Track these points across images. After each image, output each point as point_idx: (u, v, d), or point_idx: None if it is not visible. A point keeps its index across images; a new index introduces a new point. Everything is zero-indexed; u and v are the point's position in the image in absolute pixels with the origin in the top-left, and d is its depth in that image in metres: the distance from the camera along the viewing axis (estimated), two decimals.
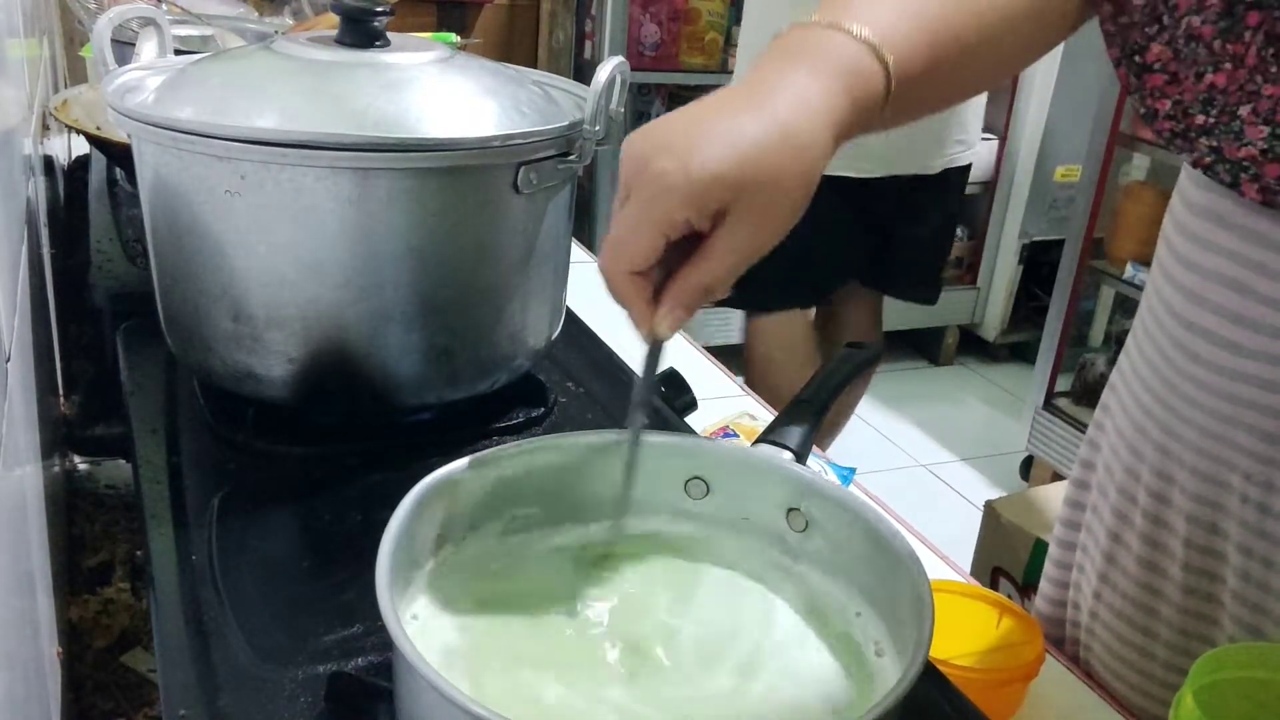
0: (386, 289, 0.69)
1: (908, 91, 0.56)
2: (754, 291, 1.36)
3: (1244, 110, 0.58)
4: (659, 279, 0.51)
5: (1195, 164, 0.61)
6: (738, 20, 2.50)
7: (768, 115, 0.50)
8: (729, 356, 2.29)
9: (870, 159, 1.95)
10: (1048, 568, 0.86)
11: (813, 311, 2.24)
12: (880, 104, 0.55)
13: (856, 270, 2.16)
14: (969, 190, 3.33)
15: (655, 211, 0.49)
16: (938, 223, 2.18)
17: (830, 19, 0.54)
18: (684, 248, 0.51)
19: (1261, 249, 0.62)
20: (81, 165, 1.34)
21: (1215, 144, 0.59)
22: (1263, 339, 0.63)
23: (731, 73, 2.88)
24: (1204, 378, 0.66)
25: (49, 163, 1.28)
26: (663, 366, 0.55)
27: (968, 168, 2.16)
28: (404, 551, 0.50)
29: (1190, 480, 0.69)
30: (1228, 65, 0.59)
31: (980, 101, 2.13)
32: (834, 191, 2.23)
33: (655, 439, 0.60)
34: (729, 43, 3.12)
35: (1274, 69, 0.57)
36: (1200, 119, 0.60)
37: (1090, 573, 0.78)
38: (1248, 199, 0.60)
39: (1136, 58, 0.62)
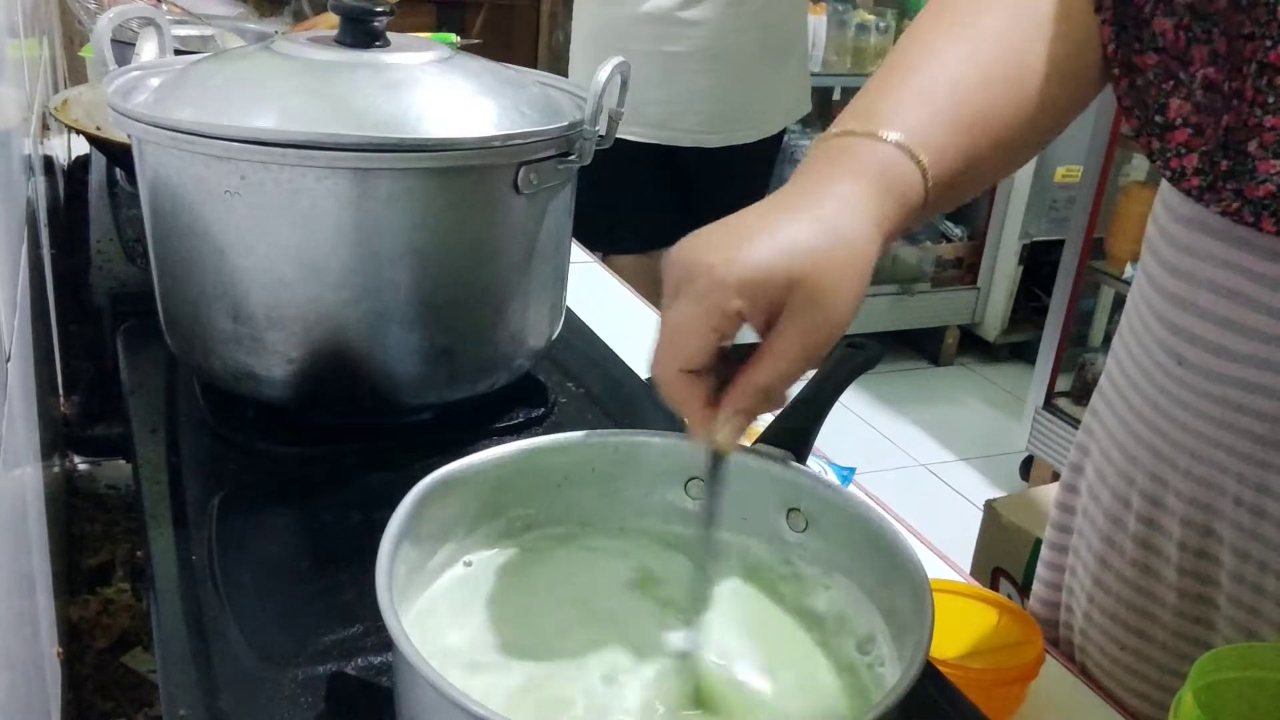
0: (386, 289, 0.69)
1: (946, 183, 0.56)
2: (594, 235, 1.49)
3: (1252, 146, 0.58)
4: (714, 388, 0.50)
5: (1224, 213, 0.60)
6: None
7: (814, 216, 0.51)
8: None
9: (679, 129, 2.02)
10: (1040, 570, 0.86)
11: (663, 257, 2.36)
12: (921, 201, 0.55)
13: (673, 231, 2.23)
14: None
15: (707, 304, 0.48)
16: (746, 192, 2.21)
17: (863, 127, 0.55)
18: (733, 367, 0.50)
19: (1249, 254, 0.62)
20: (81, 165, 1.35)
21: (1238, 187, 0.59)
22: (1253, 343, 0.63)
23: None
24: (1194, 382, 0.66)
25: (49, 163, 1.28)
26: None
27: (780, 136, 2.19)
28: (404, 551, 0.50)
29: (1184, 484, 0.69)
30: (1235, 103, 0.59)
31: (797, 74, 2.15)
32: (645, 156, 2.26)
33: (655, 439, 0.60)
34: None
35: (1270, 99, 0.57)
36: (1224, 164, 0.60)
37: (1083, 576, 0.78)
38: (1268, 233, 0.59)
39: (1157, 117, 0.62)
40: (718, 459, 0.53)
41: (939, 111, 0.57)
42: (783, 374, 0.50)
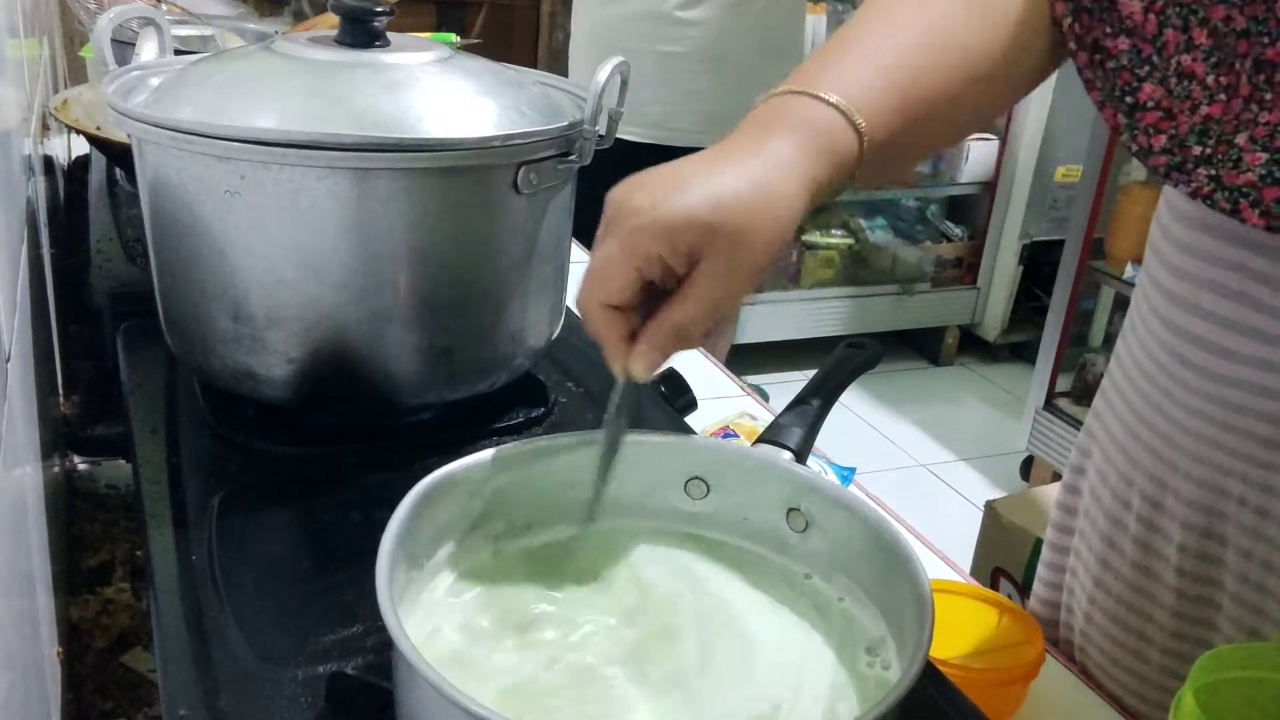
0: (386, 289, 0.69)
1: (882, 149, 0.58)
2: (594, 235, 1.52)
3: (1241, 138, 0.58)
4: (637, 324, 0.53)
5: (1194, 195, 0.61)
6: None
7: (741, 169, 0.53)
8: (729, 356, 2.29)
9: (676, 129, 2.02)
10: (1041, 570, 0.86)
11: None
12: (854, 163, 0.57)
13: None
14: (969, 191, 3.36)
15: (629, 244, 0.51)
16: None
17: (801, 87, 0.57)
18: (660, 301, 0.53)
19: (1253, 255, 0.62)
20: (81, 165, 1.35)
21: (1214, 173, 0.59)
22: (1257, 344, 0.63)
23: None
24: (1198, 384, 0.66)
25: (49, 163, 1.28)
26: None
27: None
28: (404, 551, 0.50)
29: (1185, 486, 0.69)
30: (1222, 97, 0.59)
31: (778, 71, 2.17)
32: (643, 156, 2.28)
33: (655, 439, 0.60)
34: None
35: (1268, 95, 0.57)
36: (1197, 150, 0.60)
37: (1084, 577, 0.78)
38: (1249, 224, 0.60)
39: (1128, 99, 0.63)
40: (630, 389, 0.56)
41: (879, 78, 0.59)
42: (695, 316, 0.52)
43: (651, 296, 0.53)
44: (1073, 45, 0.64)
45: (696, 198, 0.51)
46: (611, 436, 0.58)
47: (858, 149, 0.57)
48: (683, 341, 0.53)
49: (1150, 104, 0.62)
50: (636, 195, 0.52)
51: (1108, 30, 0.63)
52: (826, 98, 0.56)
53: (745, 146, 0.55)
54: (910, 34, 0.62)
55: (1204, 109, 0.60)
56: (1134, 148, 0.63)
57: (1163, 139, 0.62)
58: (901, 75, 0.59)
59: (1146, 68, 0.62)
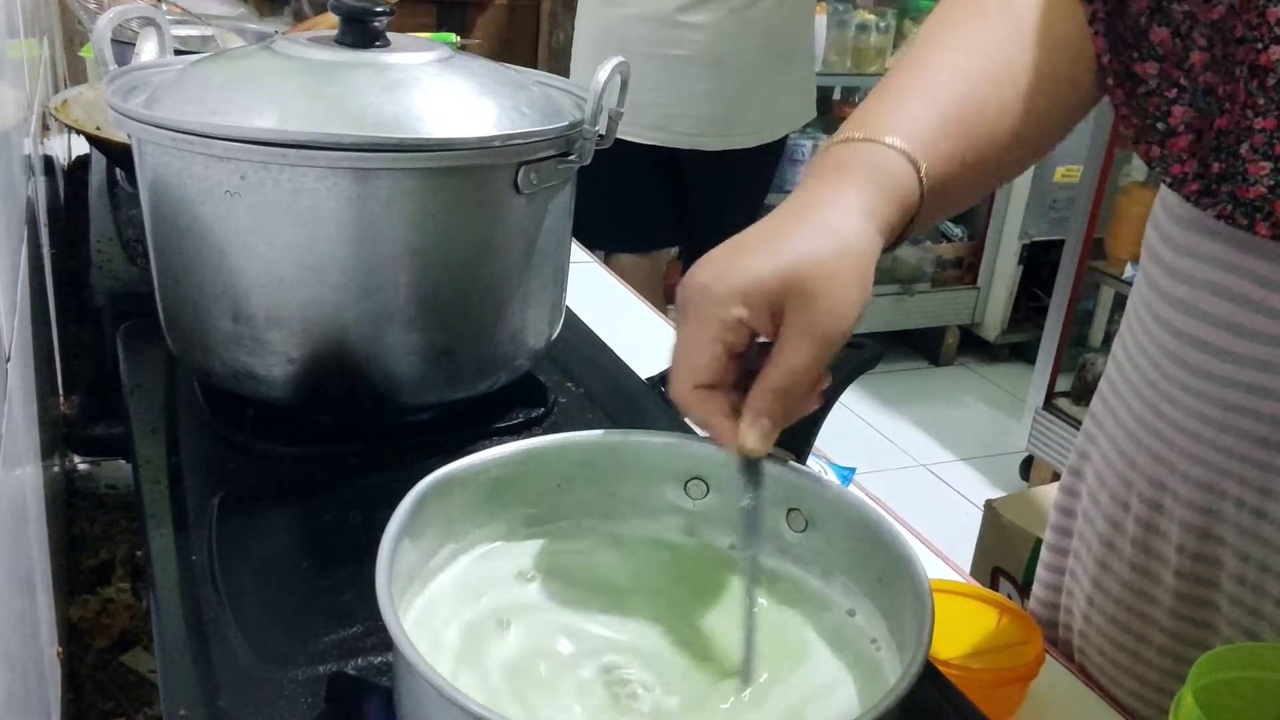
0: (386, 289, 0.69)
1: (942, 189, 0.58)
2: (594, 235, 1.52)
3: (1243, 148, 0.59)
4: (737, 401, 0.52)
5: (1219, 216, 0.61)
6: None
7: (811, 221, 0.53)
8: None
9: (676, 131, 2.03)
10: (1040, 571, 0.86)
11: (665, 257, 2.41)
12: (917, 204, 0.57)
13: (670, 233, 2.27)
14: None
15: (705, 317, 0.51)
16: (743, 197, 2.22)
17: (865, 133, 0.57)
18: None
19: (1250, 256, 0.62)
20: (81, 165, 1.35)
21: (1232, 190, 0.60)
22: (1256, 345, 0.63)
23: None
24: (1197, 386, 0.66)
25: (49, 163, 1.28)
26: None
27: (782, 141, 2.19)
28: (404, 551, 0.50)
29: (1183, 487, 0.68)
30: (1228, 106, 0.59)
31: (801, 81, 2.16)
32: (644, 157, 2.28)
33: (655, 439, 0.60)
34: None
35: (1260, 100, 0.57)
36: (1216, 167, 0.60)
37: (1083, 578, 0.78)
38: (1261, 236, 0.60)
39: (1159, 125, 0.63)
40: (750, 465, 0.55)
41: (936, 119, 0.59)
42: (794, 372, 0.51)
43: (747, 374, 0.52)
44: (1110, 81, 0.64)
45: (767, 256, 0.51)
46: (750, 525, 0.56)
47: (919, 190, 0.57)
48: (788, 403, 0.52)
49: (1181, 127, 0.62)
50: (701, 272, 0.52)
51: (1136, 56, 0.63)
52: (888, 141, 0.56)
53: (810, 199, 0.55)
54: (962, 75, 0.61)
55: (1217, 122, 0.60)
56: (1168, 180, 0.63)
57: (1194, 164, 0.62)
58: (959, 114, 0.60)
59: (1175, 90, 0.62)
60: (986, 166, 0.62)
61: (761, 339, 0.53)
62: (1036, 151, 0.67)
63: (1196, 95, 0.61)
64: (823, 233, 0.52)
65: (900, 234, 0.58)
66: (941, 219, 0.63)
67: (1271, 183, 0.58)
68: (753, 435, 0.52)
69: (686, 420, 0.53)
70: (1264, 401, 0.63)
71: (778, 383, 0.51)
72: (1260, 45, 0.56)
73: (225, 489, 0.71)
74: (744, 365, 0.53)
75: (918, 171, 0.57)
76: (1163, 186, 0.69)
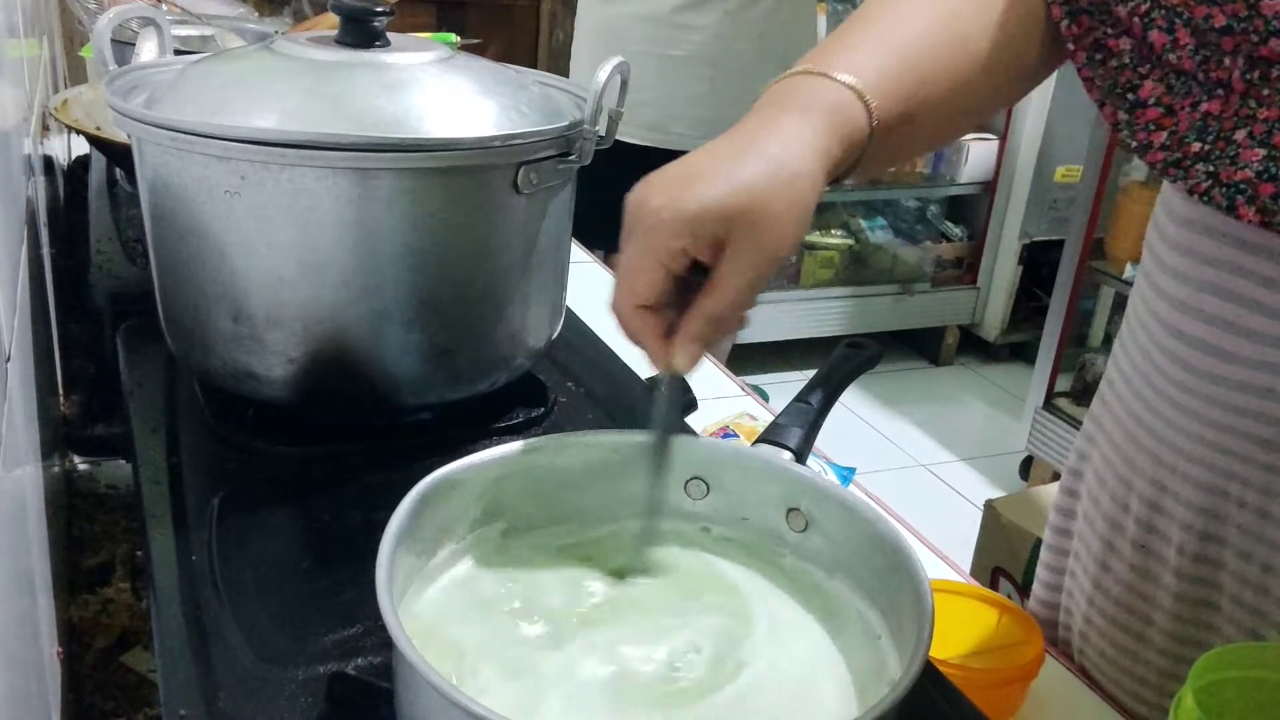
0: (386, 289, 0.69)
1: (890, 133, 0.59)
2: (594, 235, 1.52)
3: (1240, 135, 0.59)
4: (673, 320, 0.54)
5: (1191, 191, 0.61)
6: None
7: (756, 152, 0.54)
8: (729, 356, 2.29)
9: (672, 132, 2.02)
10: (1040, 571, 0.86)
11: None
12: (865, 143, 0.58)
13: None
14: (969, 191, 3.36)
15: (651, 243, 0.52)
16: None
17: (814, 67, 0.58)
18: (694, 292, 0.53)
19: (1254, 257, 0.62)
20: (81, 165, 1.35)
21: (1212, 169, 0.60)
22: (1258, 346, 0.62)
23: None
24: (1198, 387, 0.66)
25: (49, 163, 1.28)
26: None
27: None
28: (404, 551, 0.50)
29: (1184, 489, 0.68)
30: (1219, 92, 0.59)
31: None
32: (642, 157, 2.28)
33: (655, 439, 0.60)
34: None
35: (1265, 91, 0.57)
36: (1196, 146, 0.61)
37: (1082, 579, 0.78)
38: (1245, 221, 0.60)
39: (1129, 95, 0.64)
40: (675, 383, 0.56)
41: (889, 62, 0.60)
42: (730, 302, 0.53)
43: (684, 292, 0.54)
44: (1071, 45, 0.65)
45: (712, 186, 0.52)
46: (662, 435, 0.58)
47: (868, 128, 0.58)
48: (721, 329, 0.54)
49: (1151, 100, 0.62)
50: (652, 195, 0.53)
51: (1108, 30, 0.63)
52: (839, 77, 0.57)
53: (760, 127, 0.56)
54: (917, 23, 0.63)
55: (1204, 105, 0.60)
56: (1133, 144, 0.64)
57: (1163, 135, 0.62)
58: (911, 58, 0.61)
59: (1147, 65, 0.62)
60: (937, 116, 0.63)
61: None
62: (984, 110, 0.68)
63: (1167, 74, 0.62)
64: (769, 164, 0.53)
65: (845, 170, 0.59)
66: (885, 168, 0.64)
67: (1260, 168, 0.58)
68: (682, 357, 0.54)
69: (624, 335, 0.55)
70: (1266, 403, 0.63)
71: (713, 310, 0.53)
72: (1256, 37, 0.56)
73: (225, 489, 0.71)
74: (679, 285, 0.54)
75: (868, 109, 0.57)
76: (1164, 185, 0.69)
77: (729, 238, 0.52)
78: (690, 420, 0.85)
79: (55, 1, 1.82)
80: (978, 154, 3.23)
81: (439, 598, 0.54)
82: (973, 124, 0.69)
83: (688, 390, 0.86)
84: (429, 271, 0.70)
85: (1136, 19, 0.61)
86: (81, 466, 0.95)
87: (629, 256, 0.53)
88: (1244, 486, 0.65)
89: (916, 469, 2.81)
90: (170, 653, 0.55)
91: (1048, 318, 2.66)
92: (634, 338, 0.54)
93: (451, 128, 0.69)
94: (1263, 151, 0.58)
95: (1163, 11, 0.60)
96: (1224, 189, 0.59)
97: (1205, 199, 0.60)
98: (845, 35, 0.62)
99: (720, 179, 0.52)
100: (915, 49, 0.61)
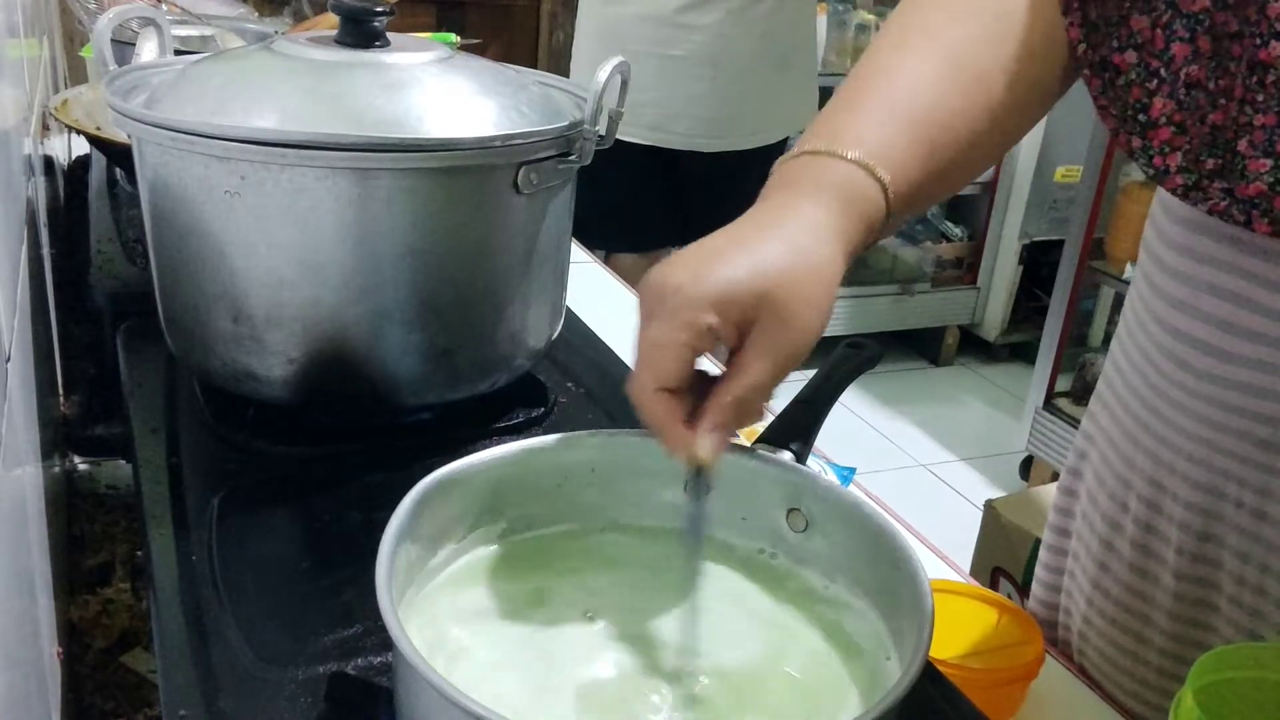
0: (386, 289, 0.69)
1: (908, 198, 0.58)
2: (594, 235, 1.49)
3: (1242, 144, 0.58)
4: (691, 406, 0.51)
5: (1211, 211, 0.60)
6: None
7: (779, 235, 0.52)
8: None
9: (673, 132, 2.02)
10: (1039, 571, 0.86)
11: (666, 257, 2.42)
12: (882, 216, 0.56)
13: (669, 233, 2.26)
14: (969, 191, 3.36)
15: (678, 322, 0.49)
16: (742, 199, 2.22)
17: (824, 146, 0.56)
18: (709, 385, 0.52)
19: (1249, 256, 0.62)
20: (81, 165, 1.35)
21: (1227, 185, 0.59)
22: (1255, 346, 0.62)
23: None
24: (1196, 386, 0.66)
25: (49, 163, 1.28)
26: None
27: (782, 143, 2.17)
28: (404, 551, 0.50)
29: (1183, 488, 0.68)
30: (1223, 101, 0.59)
31: (802, 83, 2.16)
32: (643, 157, 2.24)
33: (655, 439, 0.60)
34: None
35: (1260, 97, 0.57)
36: (1209, 163, 0.60)
37: (1081, 579, 0.78)
38: (1259, 234, 0.60)
39: (1140, 116, 0.62)
40: (699, 473, 0.54)
41: (898, 127, 0.58)
42: (755, 387, 0.51)
43: (699, 381, 0.52)
44: (1087, 71, 0.64)
45: (741, 266, 0.50)
46: (693, 528, 0.56)
47: (884, 202, 0.56)
48: (745, 416, 0.52)
49: (1162, 119, 0.61)
50: (674, 273, 0.51)
51: (1114, 45, 0.62)
52: (848, 155, 0.56)
53: (777, 210, 0.54)
54: (927, 65, 0.60)
55: (1210, 117, 0.59)
56: (1151, 171, 0.63)
57: (1178, 157, 0.61)
58: (920, 121, 0.59)
59: (1155, 80, 0.61)
60: (952, 172, 0.61)
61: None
62: (999, 152, 0.66)
63: (1178, 89, 0.61)
64: (794, 250, 0.52)
65: (865, 248, 0.57)
66: (905, 223, 0.63)
67: (1271, 179, 0.57)
68: (708, 446, 0.51)
69: (642, 421, 0.52)
70: (1263, 402, 0.63)
71: (737, 396, 0.51)
72: (1259, 40, 0.56)
73: (225, 489, 0.71)
74: (699, 373, 0.52)
75: (881, 184, 0.56)
76: (1160, 188, 0.69)
77: (756, 318, 0.50)
78: (644, 421, 0.84)
79: (55, 1, 1.82)
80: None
81: (439, 598, 0.54)
82: (988, 167, 0.67)
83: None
84: (429, 272, 0.70)
85: (1159, 30, 0.60)
86: (81, 466, 0.95)
87: (651, 336, 0.50)
88: (1241, 487, 0.65)
89: (916, 469, 2.81)
90: (170, 653, 0.56)
91: (1048, 318, 2.66)
92: (654, 423, 0.51)
93: (451, 128, 0.69)
94: (1269, 162, 0.57)
95: (1184, 20, 0.59)
96: (1240, 206, 0.59)
97: (1224, 218, 0.60)
98: (846, 104, 0.60)
99: (744, 259, 0.51)
100: (928, 111, 0.59)
